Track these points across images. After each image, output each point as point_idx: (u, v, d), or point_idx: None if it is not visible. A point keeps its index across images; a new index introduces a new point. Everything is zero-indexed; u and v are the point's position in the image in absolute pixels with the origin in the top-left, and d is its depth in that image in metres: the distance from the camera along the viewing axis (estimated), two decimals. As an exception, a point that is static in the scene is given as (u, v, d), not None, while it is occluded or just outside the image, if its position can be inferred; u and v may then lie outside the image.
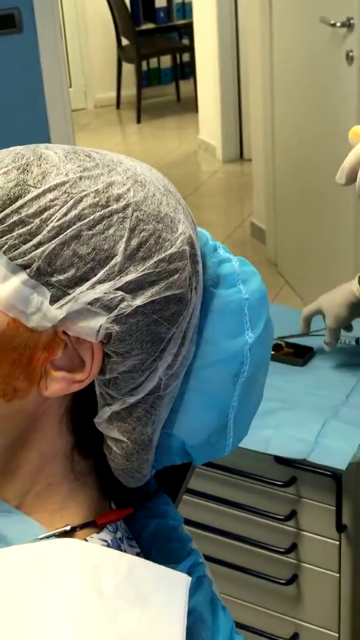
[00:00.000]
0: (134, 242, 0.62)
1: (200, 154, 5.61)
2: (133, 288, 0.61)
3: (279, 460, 1.55)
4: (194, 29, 5.44)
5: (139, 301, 0.61)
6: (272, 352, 1.78)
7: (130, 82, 6.47)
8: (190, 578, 0.65)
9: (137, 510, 0.75)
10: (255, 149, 4.05)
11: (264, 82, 3.68)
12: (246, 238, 4.30)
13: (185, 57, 6.61)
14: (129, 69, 6.47)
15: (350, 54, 2.74)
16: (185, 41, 6.43)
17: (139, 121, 6.34)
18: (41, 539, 0.65)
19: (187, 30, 6.20)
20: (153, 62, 6.72)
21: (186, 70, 6.74)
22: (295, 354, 1.79)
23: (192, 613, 0.67)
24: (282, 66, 3.50)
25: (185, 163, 5.49)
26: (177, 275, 0.63)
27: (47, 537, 0.66)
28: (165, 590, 0.63)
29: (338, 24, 2.77)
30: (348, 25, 2.75)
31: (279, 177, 3.73)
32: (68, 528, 0.66)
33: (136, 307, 0.61)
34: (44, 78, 3.21)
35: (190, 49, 5.97)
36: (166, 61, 6.75)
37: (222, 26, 5.00)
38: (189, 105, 6.39)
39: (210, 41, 5.10)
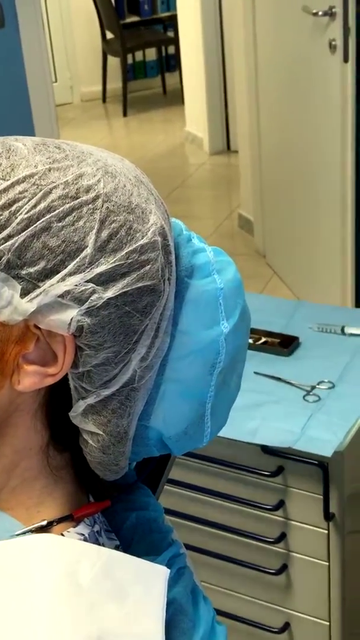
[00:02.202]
0: (105, 234, 0.61)
1: (187, 146, 5.60)
2: (104, 280, 0.61)
3: (266, 450, 1.56)
4: (178, 21, 5.42)
5: (110, 293, 0.61)
6: (257, 344, 1.78)
7: (116, 76, 6.45)
8: (168, 570, 0.65)
9: (117, 503, 0.75)
10: (241, 140, 4.05)
11: (248, 73, 3.67)
12: (234, 230, 4.29)
13: (171, 49, 6.58)
14: (114, 62, 6.45)
15: (333, 42, 2.73)
16: (170, 33, 6.41)
17: (125, 114, 6.33)
18: (17, 535, 0.65)
19: (172, 22, 6.18)
20: (138, 55, 6.70)
21: (172, 63, 6.72)
22: (281, 344, 1.79)
23: (172, 604, 0.66)
24: (266, 56, 3.50)
25: (172, 155, 5.47)
26: (148, 266, 0.62)
27: (23, 533, 0.65)
28: (143, 583, 0.63)
29: (320, 13, 2.77)
30: (330, 14, 2.74)
31: (266, 168, 3.73)
32: (44, 523, 0.66)
33: (107, 299, 0.61)
34: (27, 73, 3.19)
35: (175, 41, 5.95)
36: (151, 54, 6.72)
37: (206, 18, 4.98)
38: (175, 98, 6.38)
39: (195, 33, 5.09)
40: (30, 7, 3.11)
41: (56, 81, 6.46)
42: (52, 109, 3.34)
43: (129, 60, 6.53)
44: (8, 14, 3.06)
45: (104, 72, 6.51)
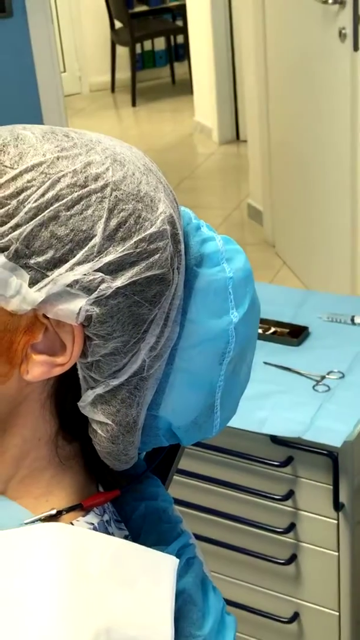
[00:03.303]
0: (113, 222, 0.61)
1: (196, 136, 5.59)
2: (113, 269, 0.61)
3: (275, 440, 1.55)
4: (187, 10, 5.40)
5: (119, 282, 0.61)
6: (266, 334, 1.77)
7: (124, 66, 6.44)
8: (177, 560, 0.64)
9: (127, 493, 0.75)
10: (250, 130, 4.03)
11: (257, 62, 3.65)
12: (243, 220, 4.28)
13: (180, 39, 6.56)
14: (123, 52, 6.43)
15: (343, 31, 2.72)
16: (179, 23, 6.39)
17: (134, 104, 6.31)
18: (27, 523, 0.65)
19: (181, 11, 6.15)
20: (147, 44, 6.68)
21: (180, 52, 6.70)
22: (291, 334, 1.78)
23: (181, 594, 0.66)
24: (276, 45, 3.48)
25: (181, 145, 5.46)
26: (157, 255, 0.62)
27: (33, 521, 0.65)
28: (152, 573, 0.62)
29: (330, 2, 2.75)
30: (340, 2, 2.73)
31: (275, 157, 3.71)
32: (54, 512, 0.66)
33: (116, 288, 0.61)
34: (35, 63, 3.19)
35: (184, 30, 5.93)
36: (160, 43, 6.70)
37: (215, 7, 4.96)
38: (184, 88, 6.36)
39: (204, 22, 5.07)
40: (38, -4, 3.10)
41: (65, 71, 6.45)
42: (60, 99, 3.33)
43: (138, 49, 6.51)
44: (16, 3, 3.05)
45: (112, 62, 6.50)
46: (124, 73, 6.47)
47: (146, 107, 6.31)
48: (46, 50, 3.19)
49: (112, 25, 6.31)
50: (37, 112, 3.21)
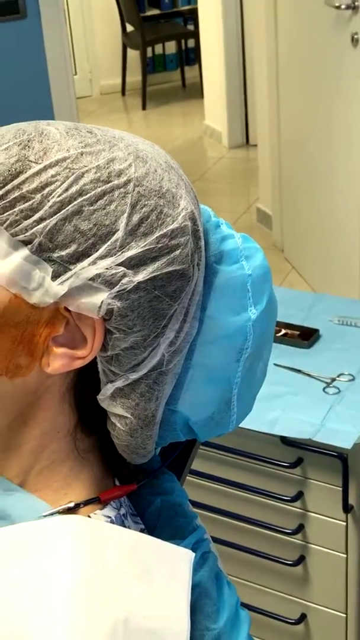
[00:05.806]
0: (136, 218, 0.61)
1: (206, 139, 5.59)
2: (135, 264, 0.61)
3: (285, 441, 1.56)
4: (199, 14, 5.41)
5: (140, 277, 0.61)
6: (277, 335, 1.78)
7: (135, 69, 6.44)
8: (193, 554, 0.65)
9: (142, 487, 0.75)
10: (260, 134, 4.04)
11: (269, 67, 3.66)
12: (252, 224, 4.29)
13: (191, 42, 6.58)
14: (134, 55, 6.44)
15: (355, 36, 2.72)
16: (190, 27, 6.40)
17: (144, 108, 6.32)
18: (45, 516, 0.66)
19: (192, 15, 6.17)
20: (158, 48, 6.69)
21: (191, 56, 6.71)
22: (301, 336, 1.79)
23: (196, 587, 0.67)
24: (287, 50, 3.49)
25: (191, 149, 5.47)
26: (178, 250, 0.63)
27: (51, 514, 0.66)
28: (169, 566, 0.63)
29: (343, 7, 2.76)
30: (353, 7, 2.73)
31: (285, 162, 3.72)
32: (72, 505, 0.66)
33: (138, 282, 0.61)
34: (48, 65, 3.20)
35: (195, 34, 5.94)
36: (171, 47, 6.72)
37: (227, 11, 4.97)
38: (195, 91, 6.37)
39: (215, 27, 5.08)
40: (52, -2, 3.12)
41: (76, 74, 6.47)
42: (72, 101, 3.35)
43: (149, 53, 6.52)
44: (30, 5, 3.07)
45: (123, 65, 6.51)
46: (134, 76, 6.48)
47: (156, 110, 6.33)
48: (59, 52, 3.20)
49: (123, 28, 6.33)
50: (49, 113, 3.22)
